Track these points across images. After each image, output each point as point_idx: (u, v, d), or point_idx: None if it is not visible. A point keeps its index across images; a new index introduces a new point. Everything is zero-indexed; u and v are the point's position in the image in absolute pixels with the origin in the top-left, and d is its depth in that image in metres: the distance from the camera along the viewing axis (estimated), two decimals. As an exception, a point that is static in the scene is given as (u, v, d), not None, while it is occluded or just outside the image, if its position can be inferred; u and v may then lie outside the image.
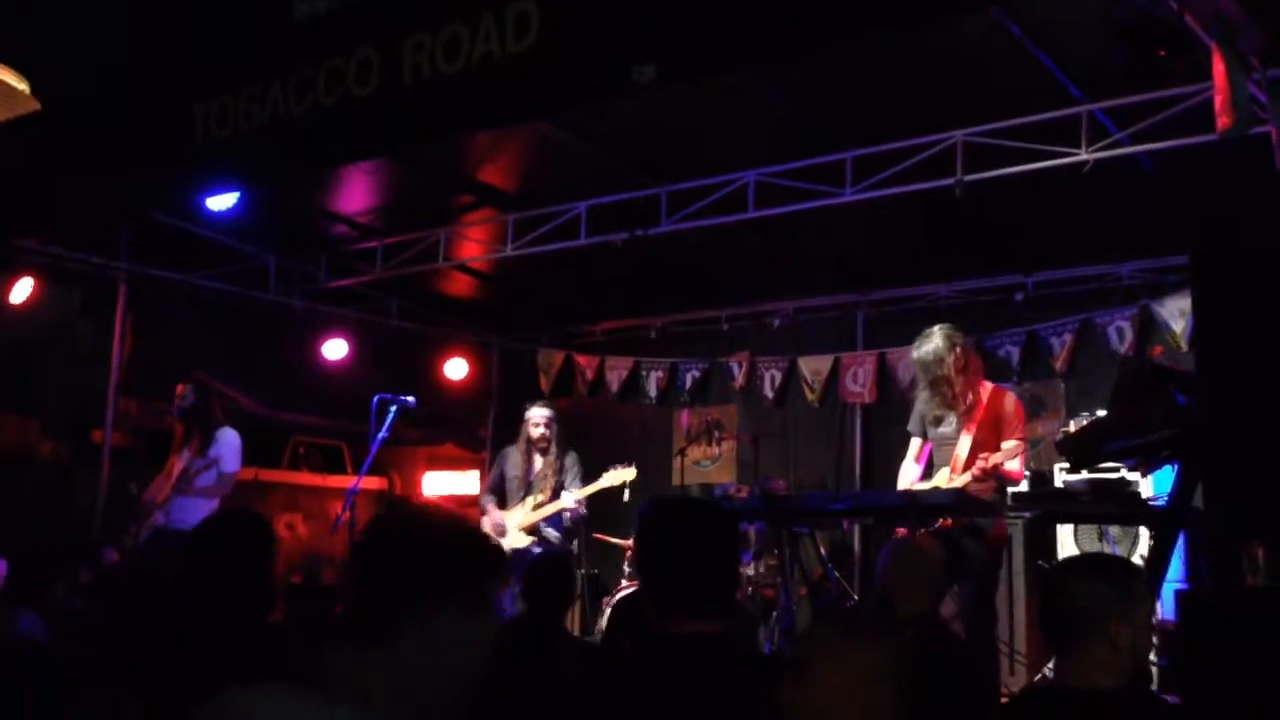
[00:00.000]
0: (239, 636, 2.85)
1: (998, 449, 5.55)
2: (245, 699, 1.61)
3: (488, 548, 1.86)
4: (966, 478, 5.55)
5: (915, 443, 6.05)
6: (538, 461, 7.80)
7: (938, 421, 5.80)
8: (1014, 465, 5.61)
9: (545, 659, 3.80)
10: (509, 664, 2.89)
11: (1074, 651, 2.50)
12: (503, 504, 7.86)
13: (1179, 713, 2.76)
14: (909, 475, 6.00)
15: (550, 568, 4.56)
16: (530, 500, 7.69)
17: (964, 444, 5.65)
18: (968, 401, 5.68)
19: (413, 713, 1.65)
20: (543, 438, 7.78)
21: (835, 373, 9.26)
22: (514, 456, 7.91)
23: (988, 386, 5.84)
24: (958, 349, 5.68)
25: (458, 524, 1.88)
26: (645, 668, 2.41)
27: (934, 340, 5.73)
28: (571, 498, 7.57)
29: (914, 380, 8.41)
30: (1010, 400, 5.77)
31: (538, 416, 7.85)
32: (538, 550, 7.21)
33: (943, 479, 5.69)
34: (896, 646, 1.97)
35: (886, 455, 9.09)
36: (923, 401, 5.91)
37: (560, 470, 7.76)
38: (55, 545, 4.18)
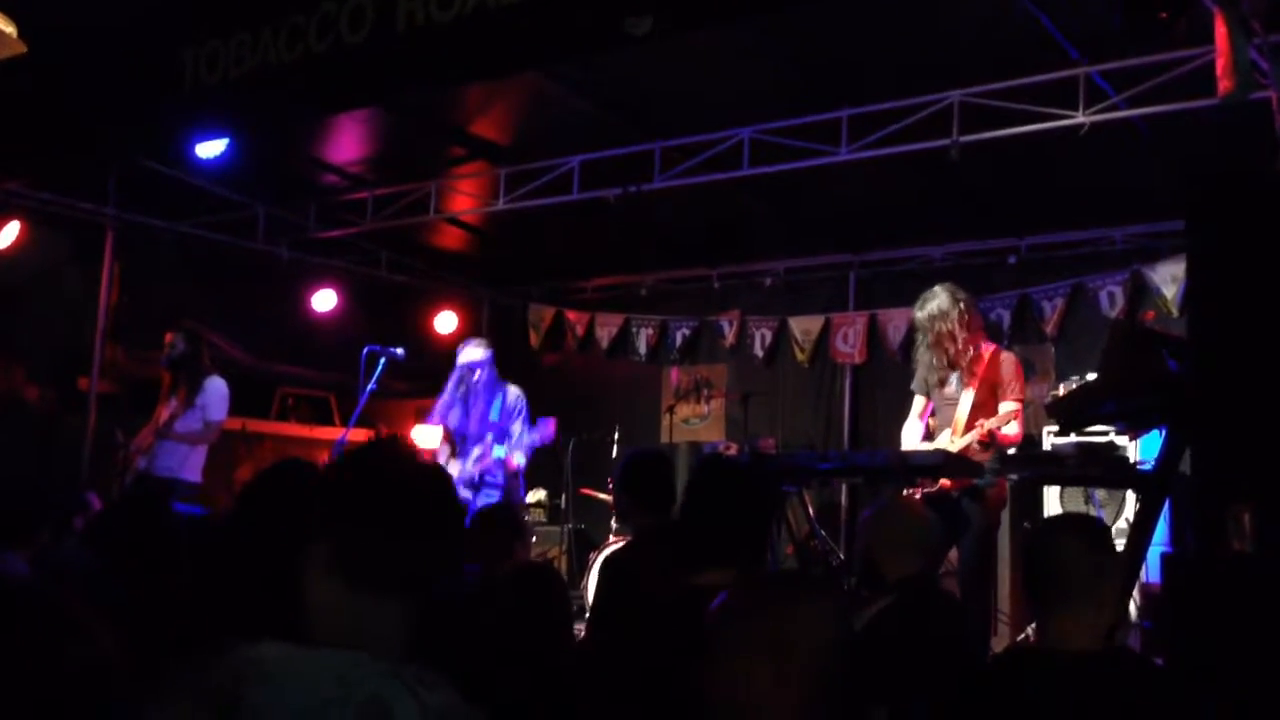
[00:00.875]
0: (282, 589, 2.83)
1: (996, 410, 5.56)
2: (259, 652, 1.59)
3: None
4: (967, 440, 5.56)
5: (919, 401, 6.04)
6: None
7: (941, 383, 5.81)
8: (1011, 430, 5.61)
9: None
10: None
11: (1060, 613, 2.50)
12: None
13: (1165, 675, 2.76)
14: (912, 433, 6.01)
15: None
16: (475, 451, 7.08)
17: (965, 404, 5.65)
18: (968, 360, 5.67)
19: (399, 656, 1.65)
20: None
21: (826, 332, 9.26)
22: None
23: (989, 346, 5.84)
24: (961, 306, 5.67)
25: (436, 472, 1.90)
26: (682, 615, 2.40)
27: (938, 298, 5.72)
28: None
29: (903, 342, 8.46)
30: (1010, 361, 5.77)
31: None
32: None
33: (944, 440, 5.70)
34: (816, 613, 1.83)
35: (875, 416, 9.13)
36: (924, 363, 5.90)
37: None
38: (40, 489, 4.13)
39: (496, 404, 7.08)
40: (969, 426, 5.58)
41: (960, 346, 5.67)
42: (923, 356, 5.92)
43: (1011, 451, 5.71)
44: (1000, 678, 2.55)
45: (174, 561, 3.24)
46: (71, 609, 0.84)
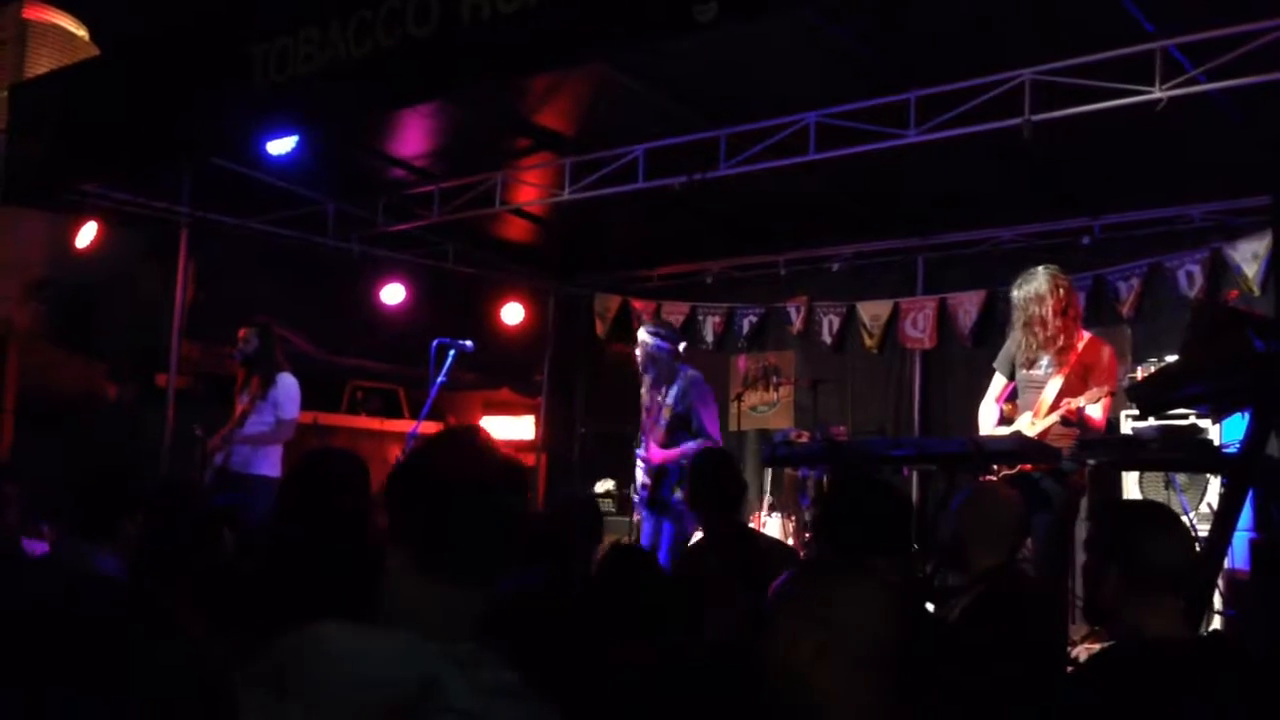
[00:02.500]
0: (336, 573, 2.87)
1: (1083, 393, 5.45)
2: (317, 632, 1.63)
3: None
4: (1049, 420, 5.46)
5: (999, 381, 5.94)
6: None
7: (1029, 364, 5.70)
8: (1097, 413, 5.49)
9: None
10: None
11: (1160, 603, 2.47)
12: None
13: (1260, 664, 2.69)
14: (989, 415, 5.92)
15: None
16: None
17: (1052, 389, 5.55)
18: (1059, 345, 5.57)
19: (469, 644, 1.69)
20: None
21: (894, 318, 9.16)
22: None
23: (1085, 335, 5.73)
24: (1061, 290, 5.57)
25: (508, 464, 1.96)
26: None
27: (1036, 279, 5.62)
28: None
29: (973, 327, 8.33)
30: (1106, 350, 5.65)
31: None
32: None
33: (1025, 422, 5.61)
34: (859, 595, 1.94)
35: (945, 402, 9.02)
36: (1014, 342, 5.81)
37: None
38: (122, 483, 4.18)
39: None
40: (1054, 408, 5.47)
41: (1052, 331, 5.56)
42: (1014, 335, 5.82)
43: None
44: (1115, 669, 2.50)
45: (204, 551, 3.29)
46: (165, 606, 0.84)
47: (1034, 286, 5.59)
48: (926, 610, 3.72)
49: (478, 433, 2.01)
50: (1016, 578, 3.49)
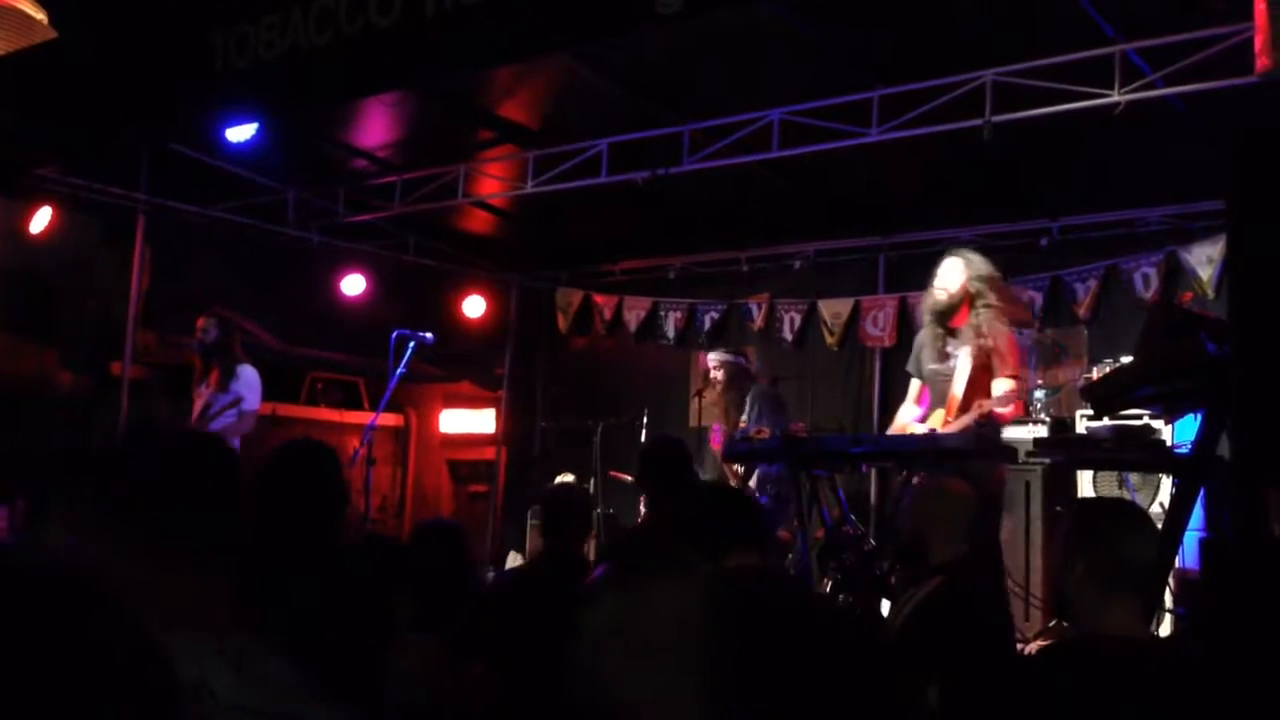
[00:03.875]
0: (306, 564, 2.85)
1: (989, 387, 5.48)
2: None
3: None
4: (963, 421, 5.49)
5: (914, 384, 5.99)
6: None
7: (939, 355, 5.74)
8: (1006, 408, 5.54)
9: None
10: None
11: (1120, 601, 2.50)
12: None
13: (1207, 663, 2.73)
14: (908, 418, 5.97)
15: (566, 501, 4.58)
16: None
17: (959, 381, 5.58)
18: (964, 332, 5.59)
19: None
20: (714, 380, 8.08)
21: (855, 316, 9.21)
22: None
23: (986, 322, 5.75)
24: (963, 274, 5.61)
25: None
26: None
27: (940, 266, 5.69)
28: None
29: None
30: (1005, 335, 5.68)
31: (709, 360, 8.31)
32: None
33: (937, 420, 5.65)
34: (667, 593, 1.79)
35: (904, 399, 9.05)
36: (922, 340, 5.85)
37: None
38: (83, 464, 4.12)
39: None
40: (964, 404, 5.49)
41: (950, 313, 5.59)
42: (922, 335, 5.87)
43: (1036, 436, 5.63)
44: (1066, 664, 2.51)
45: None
46: (97, 583, 0.84)
47: (959, 265, 5.64)
48: (766, 605, 3.72)
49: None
50: (972, 573, 3.52)
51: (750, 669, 2.02)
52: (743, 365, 8.17)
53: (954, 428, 5.45)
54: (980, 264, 5.66)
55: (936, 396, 5.75)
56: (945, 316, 5.62)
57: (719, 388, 8.01)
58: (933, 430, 5.49)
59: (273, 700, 1.57)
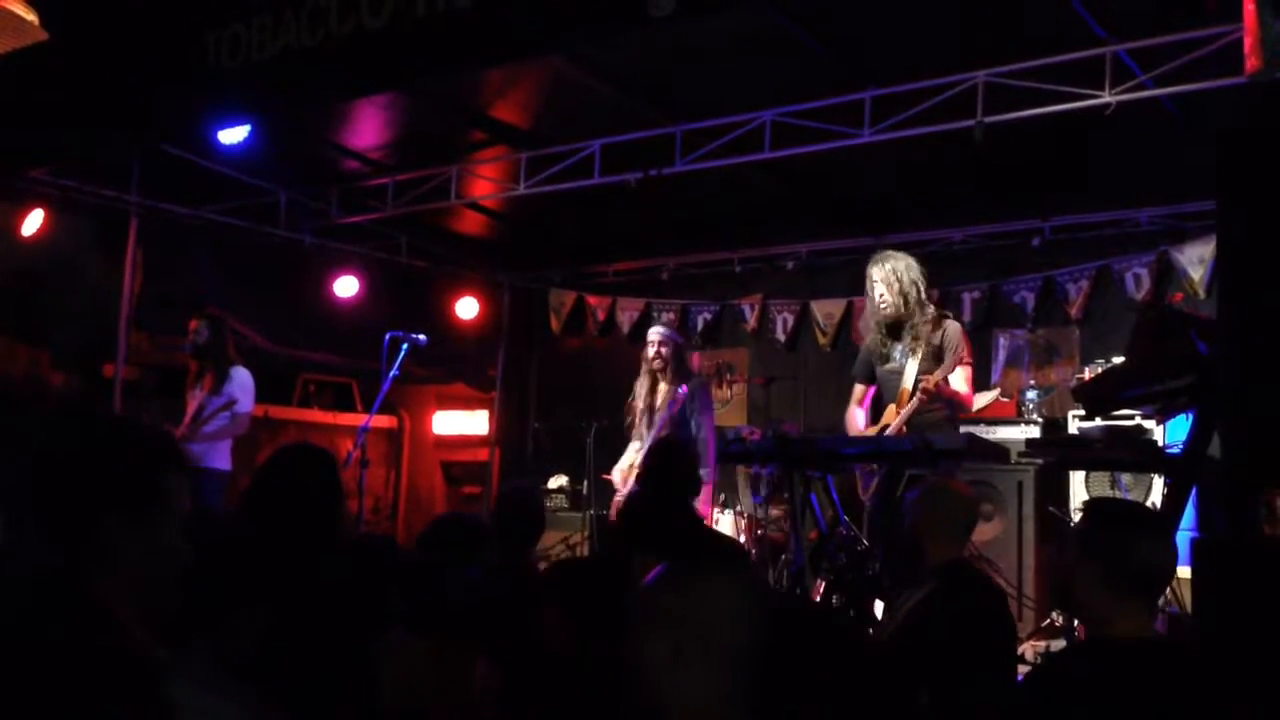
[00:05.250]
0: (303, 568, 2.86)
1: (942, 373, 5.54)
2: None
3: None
4: (911, 406, 5.55)
5: (858, 389, 6.06)
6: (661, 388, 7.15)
7: (884, 359, 5.80)
8: (961, 387, 5.59)
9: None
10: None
11: (1136, 605, 2.53)
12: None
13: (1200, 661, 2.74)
14: (856, 420, 6.02)
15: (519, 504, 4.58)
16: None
17: (910, 374, 5.64)
18: (913, 324, 5.66)
19: None
20: (657, 356, 7.15)
21: (848, 316, 9.21)
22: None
23: (932, 317, 5.82)
24: (900, 273, 5.69)
25: None
26: None
27: (892, 256, 5.79)
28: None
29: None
30: (954, 327, 5.76)
31: (652, 334, 7.34)
32: None
33: (890, 414, 5.69)
34: (715, 589, 1.86)
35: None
36: (869, 340, 5.92)
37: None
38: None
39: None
40: (919, 385, 5.55)
41: (896, 314, 5.66)
42: (868, 339, 5.93)
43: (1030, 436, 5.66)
44: (1079, 669, 2.52)
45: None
46: (102, 598, 0.83)
47: (892, 261, 5.70)
48: (802, 608, 3.74)
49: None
50: (969, 575, 3.52)
51: (780, 670, 2.06)
52: (683, 347, 7.50)
53: (904, 414, 5.51)
54: (902, 264, 5.72)
55: (889, 393, 5.82)
56: (888, 323, 5.71)
57: (658, 365, 7.11)
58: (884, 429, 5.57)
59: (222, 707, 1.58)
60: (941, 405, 5.61)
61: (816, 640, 2.51)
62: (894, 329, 5.75)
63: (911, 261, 5.77)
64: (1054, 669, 2.61)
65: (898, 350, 5.76)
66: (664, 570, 1.97)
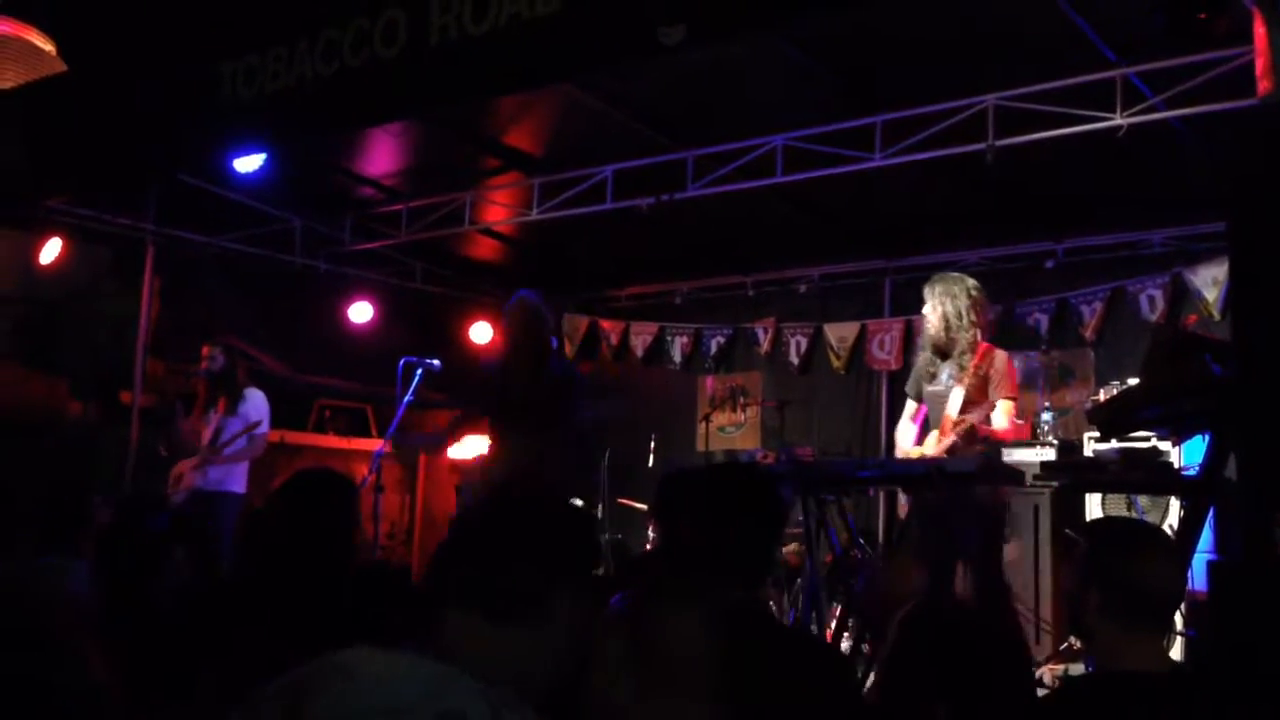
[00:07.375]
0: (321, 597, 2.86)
1: (986, 405, 5.47)
2: (345, 655, 1.60)
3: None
4: (948, 443, 5.49)
5: (910, 405, 6.00)
6: None
7: (931, 378, 5.74)
8: (1002, 423, 5.52)
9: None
10: None
11: (1145, 635, 2.36)
12: None
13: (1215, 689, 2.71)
14: (905, 435, 5.96)
15: None
16: None
17: (955, 401, 5.57)
18: (959, 351, 5.58)
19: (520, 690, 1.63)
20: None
21: (861, 339, 9.21)
22: None
23: (984, 345, 5.75)
24: (971, 291, 5.60)
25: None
26: None
27: (947, 278, 5.69)
28: None
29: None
30: (1002, 357, 5.67)
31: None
32: None
33: (932, 440, 5.64)
34: (682, 625, 1.79)
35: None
36: (920, 359, 5.87)
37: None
38: (85, 495, 4.16)
39: None
40: (956, 425, 5.49)
41: (948, 338, 5.58)
42: (920, 357, 5.88)
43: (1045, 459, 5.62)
44: (1086, 705, 2.40)
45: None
46: (64, 634, 0.83)
47: (945, 284, 5.65)
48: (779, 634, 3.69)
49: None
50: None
51: (759, 701, 2.01)
52: None
53: (943, 446, 5.46)
54: (956, 287, 5.66)
55: (934, 416, 5.76)
56: (937, 344, 5.65)
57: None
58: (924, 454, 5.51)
59: None
60: (980, 444, 5.54)
61: (805, 669, 2.45)
62: (941, 351, 5.68)
63: (968, 285, 5.61)
64: (1062, 705, 2.52)
65: (945, 373, 5.67)
66: (629, 598, 1.93)
